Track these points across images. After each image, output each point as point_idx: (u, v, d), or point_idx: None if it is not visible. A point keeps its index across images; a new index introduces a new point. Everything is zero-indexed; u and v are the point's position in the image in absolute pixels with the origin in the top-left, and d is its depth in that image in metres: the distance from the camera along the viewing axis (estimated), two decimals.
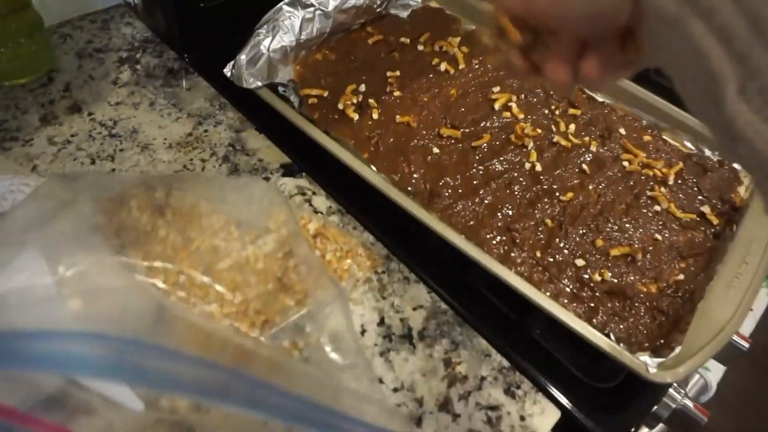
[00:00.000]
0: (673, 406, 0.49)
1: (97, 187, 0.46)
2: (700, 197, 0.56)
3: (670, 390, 0.49)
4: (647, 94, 0.62)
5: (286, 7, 0.60)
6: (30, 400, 0.30)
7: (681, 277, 0.50)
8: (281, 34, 0.59)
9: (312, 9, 0.61)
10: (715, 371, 0.68)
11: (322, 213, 0.53)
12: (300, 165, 0.57)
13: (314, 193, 0.55)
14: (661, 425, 0.55)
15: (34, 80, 0.59)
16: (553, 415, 0.44)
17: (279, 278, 0.47)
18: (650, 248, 0.51)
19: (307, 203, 0.54)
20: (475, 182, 0.54)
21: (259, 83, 0.55)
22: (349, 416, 0.32)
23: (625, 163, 0.57)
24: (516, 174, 0.55)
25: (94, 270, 0.37)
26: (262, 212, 0.50)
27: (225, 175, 0.55)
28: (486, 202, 0.52)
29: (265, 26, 0.59)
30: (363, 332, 0.47)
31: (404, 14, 0.71)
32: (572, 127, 0.60)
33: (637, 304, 0.47)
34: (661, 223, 0.53)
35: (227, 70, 0.58)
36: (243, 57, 0.56)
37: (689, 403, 0.49)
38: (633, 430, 0.45)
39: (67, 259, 0.38)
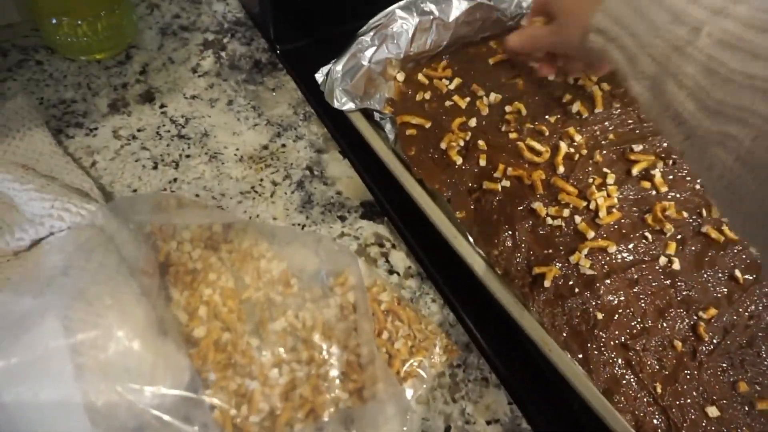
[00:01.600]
0: None
1: (149, 212, 0.40)
2: None
3: None
4: None
5: (399, 12, 0.50)
6: None
7: None
8: (388, 43, 0.50)
9: (430, 18, 0.50)
10: None
11: (398, 274, 0.45)
12: (383, 207, 0.48)
13: (394, 246, 0.46)
14: None
15: (111, 56, 0.53)
16: None
17: (337, 357, 0.39)
18: None
19: (383, 258, 0.45)
20: (592, 273, 0.43)
21: (353, 105, 0.46)
22: None
23: None
24: (645, 270, 0.44)
25: (116, 348, 0.31)
26: (329, 268, 0.42)
27: (295, 206, 0.47)
28: (602, 302, 0.42)
29: (372, 33, 0.49)
30: None
31: None
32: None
33: None
34: None
35: (319, 77, 0.49)
36: (339, 68, 0.48)
37: None
38: None
39: (88, 342, 0.31)
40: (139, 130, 0.49)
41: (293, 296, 0.42)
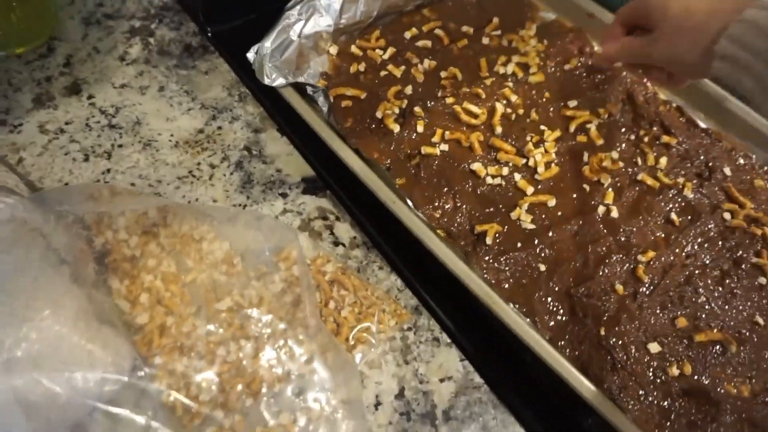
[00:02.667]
0: None
1: (80, 203, 0.39)
2: None
3: None
4: (765, 124, 0.50)
5: None
6: None
7: None
8: (317, 17, 0.49)
9: None
10: None
11: (344, 245, 0.45)
12: (325, 180, 0.48)
13: (338, 219, 0.46)
14: None
15: (32, 50, 0.51)
16: None
17: (284, 332, 0.39)
18: (748, 335, 0.41)
19: (328, 230, 0.45)
20: (533, 227, 0.44)
21: (283, 81, 0.46)
22: None
23: (727, 215, 0.46)
24: (585, 220, 0.44)
25: (47, 355, 0.30)
26: (271, 244, 0.42)
27: (234, 187, 0.46)
28: (544, 255, 0.43)
29: (299, 6, 0.49)
30: (377, 405, 0.39)
31: None
32: (663, 161, 0.48)
33: (722, 412, 0.37)
34: (766, 301, 0.42)
35: (251, 55, 0.48)
36: (268, 45, 0.47)
37: None
38: None
39: (18, 337, 0.30)
40: (67, 123, 0.48)
41: (237, 275, 0.41)
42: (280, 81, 0.46)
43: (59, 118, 0.48)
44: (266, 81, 0.46)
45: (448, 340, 0.42)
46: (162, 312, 0.39)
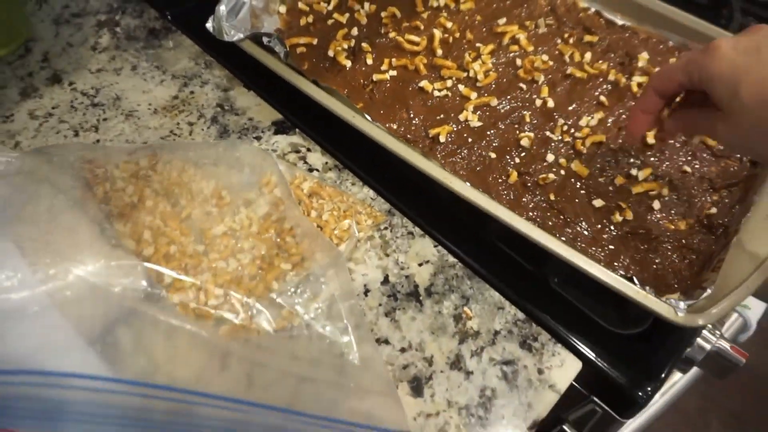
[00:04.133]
0: (708, 348, 0.45)
1: (78, 160, 0.44)
2: None
3: (704, 332, 0.45)
4: (673, 11, 0.56)
5: None
6: None
7: (713, 210, 0.45)
8: None
9: None
10: (755, 309, 0.64)
11: (318, 170, 0.50)
12: (292, 121, 0.53)
13: (309, 150, 0.51)
14: (694, 368, 0.52)
15: (10, 53, 0.57)
16: (574, 367, 0.41)
17: (275, 242, 0.44)
18: (678, 182, 0.47)
19: (301, 161, 0.51)
20: (480, 124, 0.49)
21: (241, 35, 0.51)
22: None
23: None
24: (526, 112, 0.50)
25: (72, 258, 0.35)
26: (253, 175, 0.47)
27: (213, 139, 0.52)
28: (494, 145, 0.48)
29: None
30: (366, 293, 0.44)
31: None
32: (588, 55, 0.54)
33: (663, 244, 0.43)
34: (690, 153, 0.48)
35: (209, 24, 0.54)
36: (222, 8, 0.52)
37: (725, 345, 0.45)
38: (663, 376, 0.42)
39: (42, 251, 0.35)
40: (53, 108, 0.53)
41: (227, 206, 0.46)
42: (238, 36, 0.51)
43: (46, 104, 0.53)
44: (226, 38, 0.51)
45: (421, 232, 0.47)
46: (165, 242, 0.44)
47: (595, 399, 0.45)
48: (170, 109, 0.54)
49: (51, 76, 0.55)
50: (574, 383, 0.41)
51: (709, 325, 0.45)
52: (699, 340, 0.45)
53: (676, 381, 0.61)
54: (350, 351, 0.36)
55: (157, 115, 0.53)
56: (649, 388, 0.41)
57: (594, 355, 0.42)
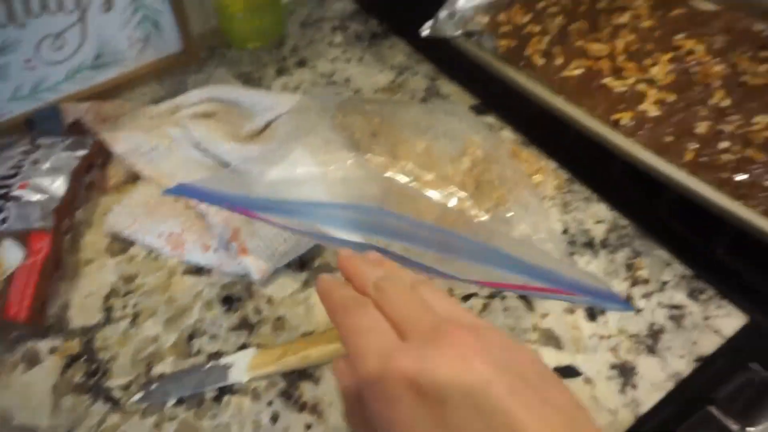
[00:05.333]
0: None
1: (333, 103, 0.58)
2: None
3: None
4: None
5: None
6: None
7: None
8: None
9: None
10: None
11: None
12: (488, 104, 0.64)
13: (501, 129, 0.62)
14: None
15: (269, 44, 0.74)
16: (740, 319, 0.46)
17: (476, 187, 0.54)
18: None
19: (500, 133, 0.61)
20: (658, 113, 0.56)
21: (459, 32, 0.64)
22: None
23: None
24: (701, 107, 0.57)
25: (340, 162, 0.48)
26: (459, 138, 0.58)
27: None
28: (670, 130, 0.55)
29: None
30: None
31: None
32: (764, 67, 0.60)
33: None
34: None
35: (425, 29, 0.67)
36: (443, 13, 0.66)
37: None
38: None
39: (323, 155, 0.49)
40: (300, 83, 0.69)
41: (435, 160, 0.57)
42: (458, 32, 0.64)
43: (294, 80, 0.69)
44: (447, 34, 0.64)
45: (598, 198, 0.55)
46: (399, 165, 0.55)
47: (755, 366, 0.48)
48: (388, 90, 0.67)
49: (298, 61, 0.72)
50: (733, 345, 0.45)
51: None
52: None
53: None
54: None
55: (378, 93, 0.67)
56: None
57: (763, 312, 0.46)
